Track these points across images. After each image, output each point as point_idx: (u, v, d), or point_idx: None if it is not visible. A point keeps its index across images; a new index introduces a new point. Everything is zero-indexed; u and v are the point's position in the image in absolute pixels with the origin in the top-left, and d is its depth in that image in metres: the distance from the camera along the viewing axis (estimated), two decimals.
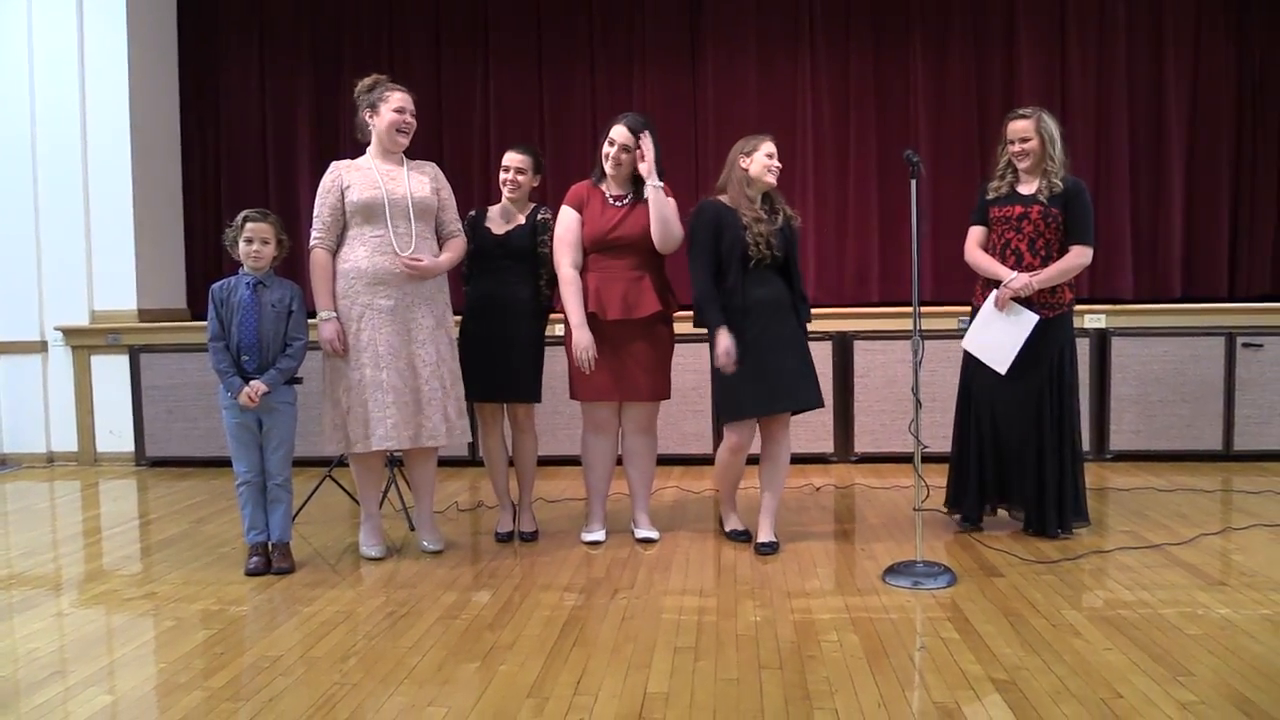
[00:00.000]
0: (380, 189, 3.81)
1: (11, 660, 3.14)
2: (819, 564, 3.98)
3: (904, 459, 5.42)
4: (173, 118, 6.90)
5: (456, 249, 4.03)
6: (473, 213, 4.29)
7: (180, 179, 7.02)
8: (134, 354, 6.49)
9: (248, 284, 3.84)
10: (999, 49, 6.65)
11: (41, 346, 6.65)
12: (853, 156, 6.79)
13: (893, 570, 3.75)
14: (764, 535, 4.14)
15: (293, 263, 5.49)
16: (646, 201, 4.01)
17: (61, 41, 6.39)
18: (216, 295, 3.83)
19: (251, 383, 3.76)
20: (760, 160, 3.95)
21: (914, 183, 3.65)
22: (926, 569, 3.69)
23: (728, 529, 4.34)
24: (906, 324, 5.66)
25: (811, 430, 5.94)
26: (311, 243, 3.88)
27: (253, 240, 3.87)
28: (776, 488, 4.13)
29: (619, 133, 4.03)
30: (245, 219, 3.88)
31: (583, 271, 4.06)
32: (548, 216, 4.18)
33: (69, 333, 6.59)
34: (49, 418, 6.69)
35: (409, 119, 3.89)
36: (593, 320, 3.98)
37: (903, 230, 6.35)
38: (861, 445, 6.06)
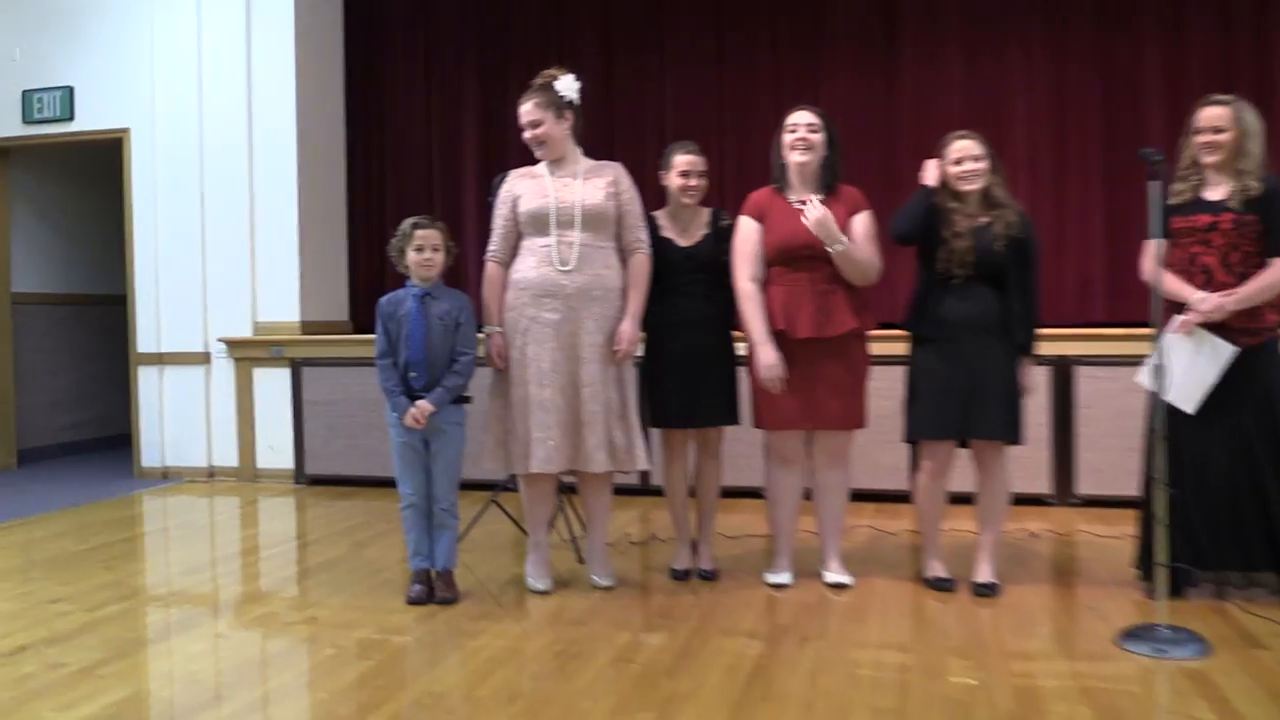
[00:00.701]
0: (549, 197, 3.84)
1: (171, 682, 3.24)
2: (1039, 621, 3.79)
3: (1136, 504, 4.90)
4: (338, 125, 7.13)
5: (639, 274, 3.98)
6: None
7: (345, 188, 7.23)
8: (295, 367, 6.73)
9: (415, 296, 3.87)
10: (1246, 28, 6.32)
11: (204, 358, 6.93)
12: (1072, 155, 6.57)
13: (1131, 634, 3.54)
14: (982, 575, 4.06)
15: (456, 274, 5.69)
16: (838, 200, 3.98)
17: (230, 47, 6.68)
18: (384, 310, 3.88)
19: (418, 403, 3.79)
20: (950, 168, 3.92)
21: (1154, 184, 3.44)
22: (1172, 635, 3.47)
23: (929, 575, 4.19)
24: (1137, 347, 5.38)
25: (1026, 468, 5.71)
26: (486, 254, 3.95)
27: (423, 248, 3.86)
28: (992, 524, 4.05)
29: (801, 117, 3.98)
30: (414, 225, 3.88)
31: (764, 285, 3.97)
32: (730, 222, 4.13)
33: (232, 344, 6.86)
34: (210, 431, 6.99)
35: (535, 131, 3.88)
36: (778, 339, 3.92)
37: (1132, 240, 5.80)
38: (1085, 487, 5.83)
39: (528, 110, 3.89)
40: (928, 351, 3.86)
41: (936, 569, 4.18)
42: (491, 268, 3.93)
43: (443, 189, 7.30)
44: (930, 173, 3.88)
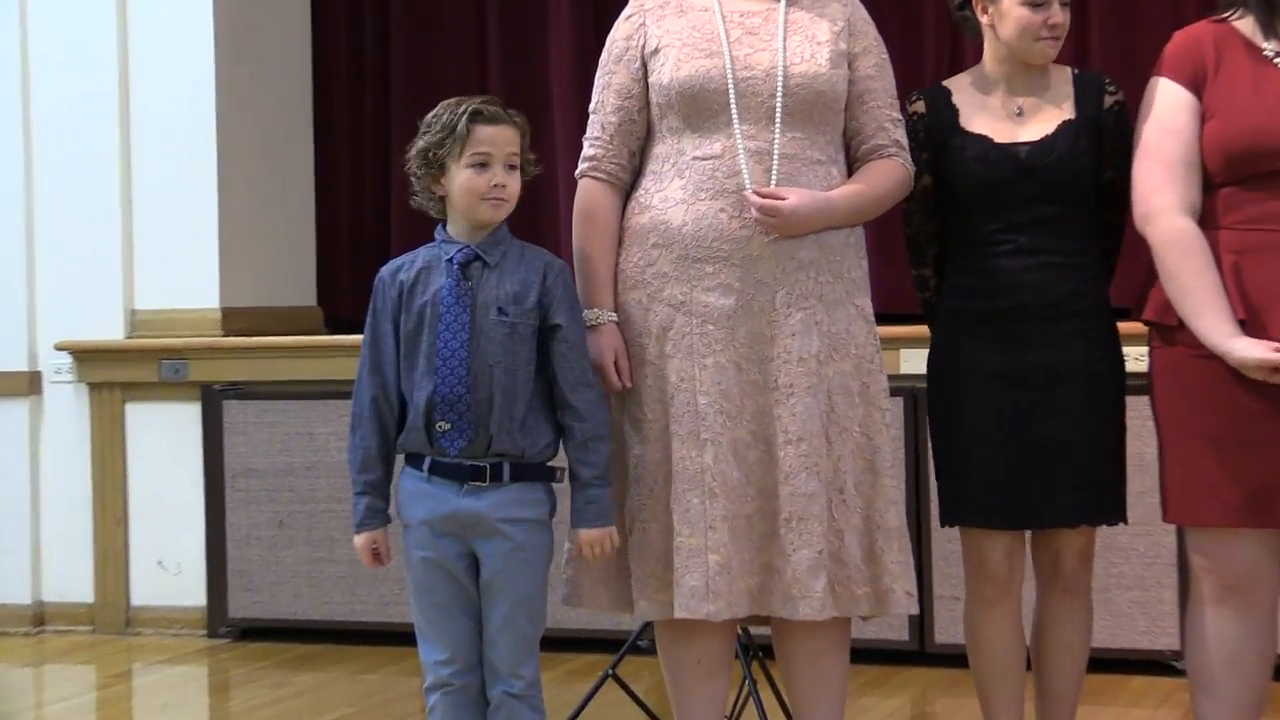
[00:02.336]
0: (722, 53, 3.21)
1: None
2: None
3: None
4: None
5: (884, 180, 3.30)
6: (916, 100, 3.48)
7: (310, 96, 6.32)
8: (211, 400, 5.56)
9: (455, 262, 3.17)
10: None
11: (29, 383, 5.90)
12: None
13: None
14: None
15: (531, 218, 5.28)
16: None
17: None
18: (385, 285, 3.21)
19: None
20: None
21: None
22: None
23: None
24: None
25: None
26: (580, 166, 3.34)
27: (489, 162, 3.10)
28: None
29: None
30: (472, 116, 3.09)
31: (1206, 225, 3.24)
32: (1120, 98, 3.41)
33: (83, 356, 5.80)
34: (38, 530, 5.85)
35: None
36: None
37: None
38: None
39: None
40: None
41: None
42: (591, 189, 3.31)
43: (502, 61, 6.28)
44: None
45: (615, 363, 3.29)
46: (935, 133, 3.39)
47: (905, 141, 3.35)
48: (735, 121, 3.21)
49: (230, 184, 5.86)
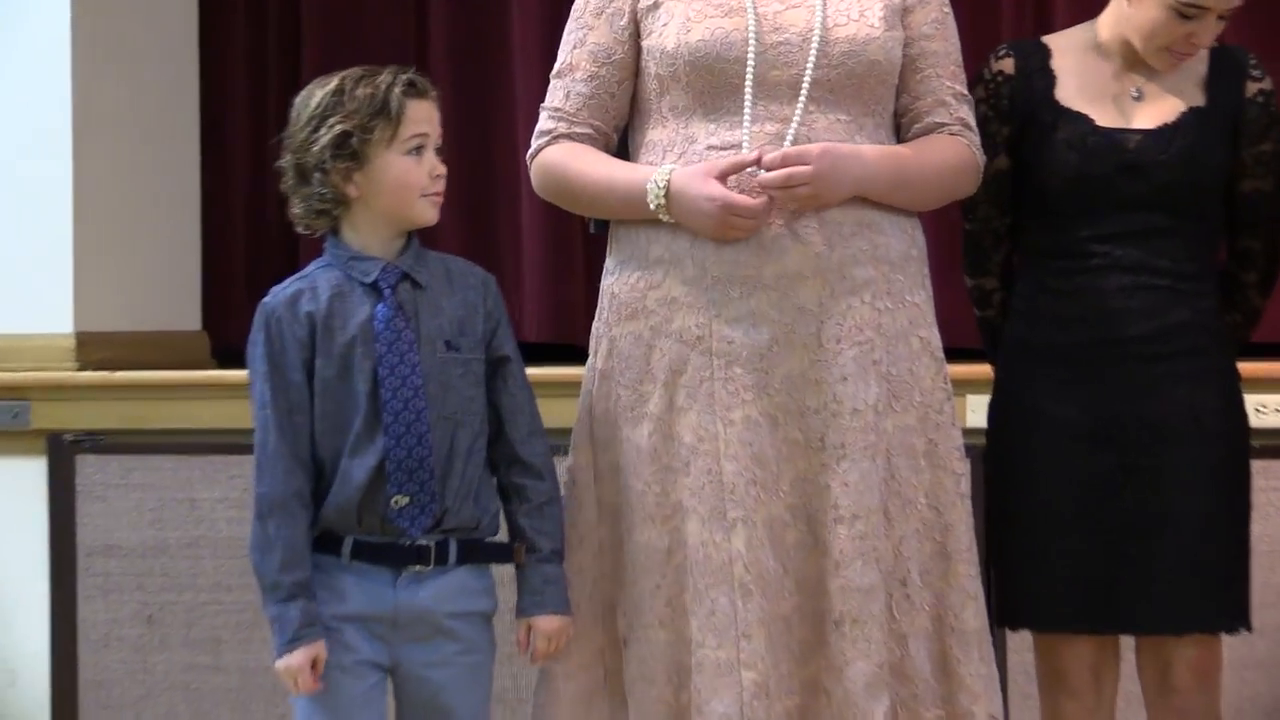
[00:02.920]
0: (744, 9, 2.99)
1: None
2: None
3: None
4: None
5: (937, 154, 3.07)
6: (1004, 56, 3.28)
7: (196, 65, 5.86)
8: (60, 454, 4.98)
9: (380, 284, 2.97)
10: None
11: None
12: None
13: None
14: None
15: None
16: None
17: None
18: (284, 320, 2.94)
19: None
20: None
21: None
22: None
23: None
24: None
25: None
26: (534, 144, 3.13)
27: (425, 145, 2.96)
28: None
29: None
30: (407, 88, 2.91)
31: None
32: (1267, 85, 3.23)
33: None
34: None
35: None
36: None
37: None
38: None
39: None
40: None
41: None
42: (553, 153, 3.09)
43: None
44: None
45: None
46: (1022, 102, 3.07)
47: (973, 122, 3.01)
48: (749, 101, 2.92)
49: (89, 181, 5.22)
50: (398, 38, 5.54)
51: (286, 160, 2.93)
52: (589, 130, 3.09)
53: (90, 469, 4.77)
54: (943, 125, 3.03)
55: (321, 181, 2.87)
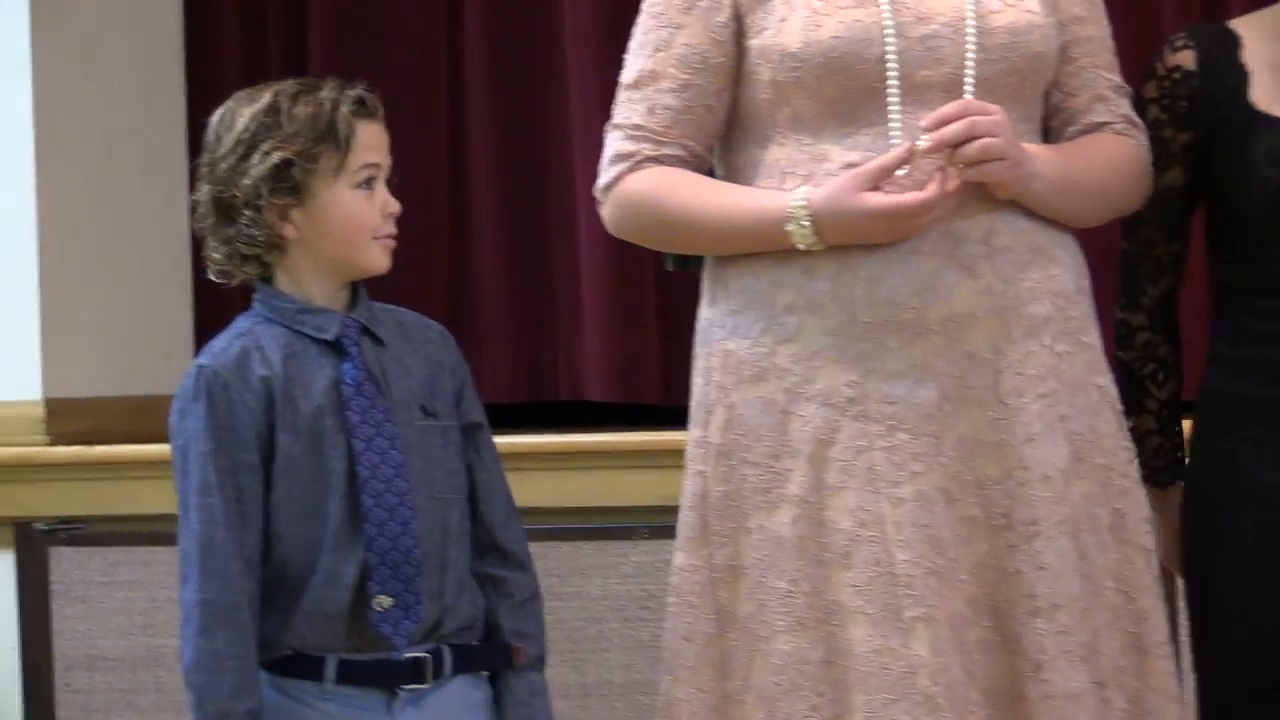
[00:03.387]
0: (879, 5, 2.79)
1: None
2: None
3: None
4: None
5: (1103, 157, 2.85)
6: (1181, 47, 3.19)
7: (184, 101, 5.66)
8: (30, 546, 4.69)
9: (346, 342, 2.80)
10: None
11: None
12: None
13: None
14: None
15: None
16: None
17: None
18: (231, 386, 2.78)
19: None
20: None
21: None
22: None
23: None
24: None
25: None
26: (607, 173, 2.84)
27: (376, 177, 2.81)
28: None
29: None
30: (352, 109, 2.76)
31: None
32: None
33: None
34: None
35: None
36: None
37: None
38: None
39: None
40: None
41: None
42: (638, 181, 2.85)
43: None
44: None
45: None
46: (1206, 105, 2.83)
47: (1137, 118, 2.77)
48: (895, 107, 2.67)
49: (57, 217, 4.96)
50: (422, 34, 5.19)
51: (203, 194, 2.61)
52: (680, 151, 2.76)
53: (67, 564, 4.49)
54: (1106, 124, 2.75)
55: (252, 220, 2.58)
